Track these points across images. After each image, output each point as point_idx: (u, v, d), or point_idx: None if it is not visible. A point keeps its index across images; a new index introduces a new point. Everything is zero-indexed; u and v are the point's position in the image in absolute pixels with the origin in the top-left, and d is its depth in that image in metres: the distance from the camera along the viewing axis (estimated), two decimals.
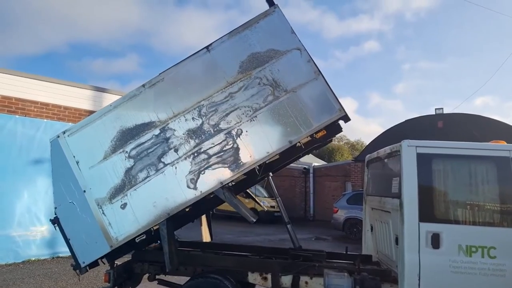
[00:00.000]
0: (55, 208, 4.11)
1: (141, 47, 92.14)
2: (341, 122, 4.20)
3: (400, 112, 77.04)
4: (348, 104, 73.93)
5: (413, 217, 3.75)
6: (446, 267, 3.67)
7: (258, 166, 4.14)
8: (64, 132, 4.17)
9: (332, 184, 20.62)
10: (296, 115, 3.96)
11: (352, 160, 20.39)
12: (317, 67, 4.01)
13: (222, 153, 3.97)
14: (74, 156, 4.10)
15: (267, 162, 4.44)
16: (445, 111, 16.78)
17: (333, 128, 4.41)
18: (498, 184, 3.83)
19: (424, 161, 3.86)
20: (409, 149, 3.89)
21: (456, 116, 16.16)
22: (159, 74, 4.16)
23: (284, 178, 22.10)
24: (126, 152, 4.05)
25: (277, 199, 5.06)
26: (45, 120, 9.52)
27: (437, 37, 78.56)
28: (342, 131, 4.48)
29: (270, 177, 4.82)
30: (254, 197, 17.48)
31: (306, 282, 4.19)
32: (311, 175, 21.51)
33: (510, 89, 69.90)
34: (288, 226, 4.74)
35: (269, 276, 4.26)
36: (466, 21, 79.35)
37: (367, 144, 21.85)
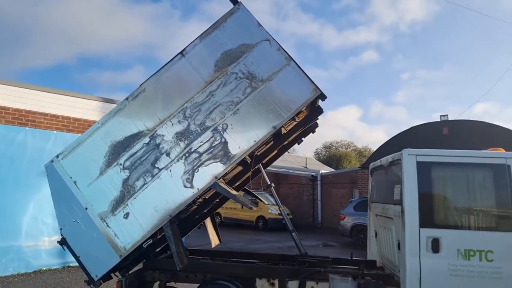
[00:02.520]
0: (61, 229, 4.23)
1: (147, 59, 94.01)
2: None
3: (403, 119, 78.60)
4: (353, 112, 75.45)
5: (414, 223, 3.89)
6: (446, 270, 3.80)
7: (249, 156, 4.30)
8: (57, 156, 4.32)
9: (339, 191, 20.67)
10: (276, 102, 4.13)
11: (359, 167, 20.56)
12: (287, 54, 4.20)
13: (212, 149, 4.13)
14: (71, 177, 4.24)
15: (258, 153, 4.62)
16: (449, 118, 16.91)
17: (314, 110, 4.61)
18: (495, 190, 3.98)
19: (424, 169, 4.00)
20: (410, 158, 4.04)
21: (461, 123, 16.32)
22: (140, 85, 4.34)
23: (292, 185, 22.24)
24: (120, 164, 4.20)
25: (280, 208, 5.19)
26: (55, 131, 9.63)
27: (433, 47, 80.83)
28: (323, 112, 4.67)
29: (272, 187, 4.98)
30: (262, 204, 17.55)
31: (312, 287, 4.32)
32: (318, 182, 21.55)
33: (509, 95, 71.47)
34: (293, 234, 4.87)
35: (276, 282, 4.39)
36: (460, 30, 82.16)
37: (374, 150, 21.97)
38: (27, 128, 9.17)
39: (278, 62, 4.19)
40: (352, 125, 79.63)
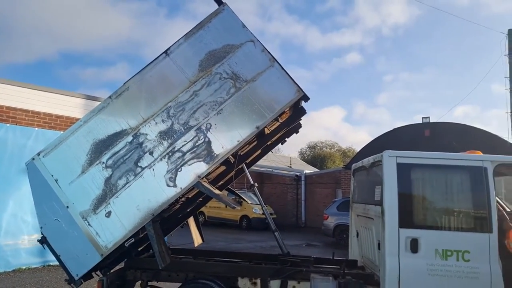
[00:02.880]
0: (41, 228, 4.18)
1: (131, 56, 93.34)
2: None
3: (386, 120, 79.87)
4: (337, 112, 76.33)
5: (394, 223, 3.97)
6: (424, 270, 3.89)
7: (232, 156, 4.34)
8: (38, 154, 4.27)
9: (323, 191, 20.87)
10: (259, 102, 4.18)
11: (342, 167, 20.80)
12: (271, 55, 4.25)
13: (195, 149, 4.15)
14: (52, 175, 4.20)
15: (241, 153, 4.65)
16: (431, 120, 17.30)
17: (297, 111, 4.67)
18: (472, 192, 4.07)
19: (404, 171, 4.09)
20: (390, 159, 4.12)
21: (443, 125, 16.67)
22: (124, 83, 4.32)
23: (276, 185, 22.33)
24: (103, 162, 4.18)
25: (263, 208, 5.24)
26: (36, 128, 9.45)
27: (415, 50, 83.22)
28: (306, 113, 4.74)
29: (256, 186, 5.04)
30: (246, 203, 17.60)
31: (294, 287, 4.36)
32: (302, 182, 21.70)
33: (489, 99, 73.53)
34: (276, 233, 4.91)
35: (258, 281, 4.43)
36: (442, 35, 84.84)
37: (357, 151, 22.27)
38: (8, 124, 9.02)
39: (262, 63, 4.23)
40: (336, 126, 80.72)
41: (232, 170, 4.67)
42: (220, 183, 5.30)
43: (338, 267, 4.79)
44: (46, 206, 4.18)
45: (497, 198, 4.20)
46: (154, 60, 4.34)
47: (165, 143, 4.18)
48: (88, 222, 4.09)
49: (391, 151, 4.20)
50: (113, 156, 4.19)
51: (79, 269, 4.10)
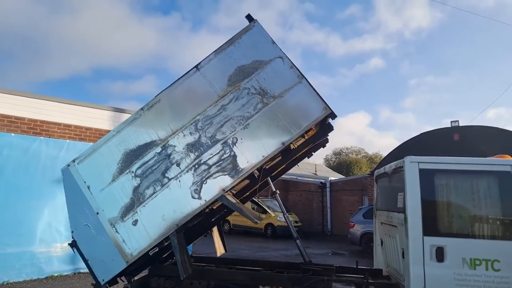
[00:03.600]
0: (72, 232, 4.37)
1: (158, 70, 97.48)
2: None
3: (412, 124, 78.45)
4: (362, 118, 75.48)
5: (417, 231, 3.89)
6: (451, 280, 3.77)
7: (257, 170, 4.38)
8: (73, 161, 4.48)
9: (349, 198, 20.52)
10: (286, 118, 4.21)
11: (368, 173, 20.29)
12: (299, 72, 4.28)
13: (221, 162, 4.22)
14: (85, 182, 4.39)
15: (266, 166, 4.68)
16: (460, 123, 16.64)
17: (324, 127, 4.65)
18: (500, 198, 3.93)
19: (427, 176, 4.00)
20: (412, 165, 4.05)
21: (472, 129, 15.98)
22: (155, 96, 4.47)
23: (301, 192, 22.19)
24: (132, 172, 4.33)
25: (285, 215, 5.23)
26: (67, 140, 9.87)
27: (439, 53, 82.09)
28: (333, 129, 4.72)
29: (277, 194, 5.04)
30: (271, 212, 17.60)
31: None
32: (327, 189, 21.45)
33: None
34: (298, 241, 4.88)
35: None
36: (466, 36, 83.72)
37: (384, 156, 21.82)
38: (41, 137, 9.44)
39: (290, 79, 4.27)
40: (362, 131, 79.66)
41: (257, 184, 4.69)
42: (245, 195, 5.34)
43: (362, 276, 4.71)
44: (78, 211, 4.37)
45: None
46: (184, 74, 4.47)
47: (192, 156, 4.27)
48: (116, 229, 4.24)
49: (413, 156, 4.12)
50: (142, 166, 4.33)
51: (105, 274, 4.25)
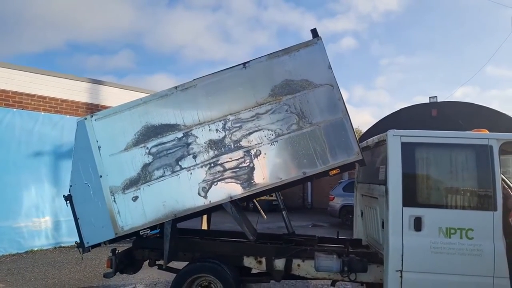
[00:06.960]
0: (70, 186, 4.29)
1: (135, 45, 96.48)
2: None
3: (387, 102, 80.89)
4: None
5: (397, 202, 3.97)
6: (427, 248, 3.90)
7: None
8: (91, 116, 4.32)
9: None
10: (316, 149, 4.06)
11: None
12: (345, 107, 4.09)
13: (237, 169, 4.11)
14: (97, 141, 4.25)
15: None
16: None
17: (348, 166, 4.53)
18: (477, 170, 4.03)
19: (409, 150, 4.05)
20: (394, 138, 4.07)
21: (450, 104, 16.35)
22: (193, 79, 4.26)
23: None
24: (147, 148, 4.20)
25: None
26: (42, 113, 9.58)
27: (409, 34, 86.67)
28: (355, 167, 4.60)
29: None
30: None
31: (298, 265, 4.43)
32: None
33: (488, 79, 73.36)
34: (283, 212, 4.93)
35: (263, 260, 4.49)
36: (432, 20, 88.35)
37: (363, 132, 22.00)
38: (14, 109, 9.06)
39: (334, 112, 4.08)
40: None
41: (264, 195, 4.61)
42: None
43: (343, 246, 4.82)
44: (82, 167, 4.26)
45: (502, 176, 4.17)
46: (230, 67, 4.24)
47: (211, 153, 4.14)
48: (114, 198, 4.17)
49: (395, 130, 4.14)
50: (158, 146, 4.19)
51: (91, 238, 4.23)
